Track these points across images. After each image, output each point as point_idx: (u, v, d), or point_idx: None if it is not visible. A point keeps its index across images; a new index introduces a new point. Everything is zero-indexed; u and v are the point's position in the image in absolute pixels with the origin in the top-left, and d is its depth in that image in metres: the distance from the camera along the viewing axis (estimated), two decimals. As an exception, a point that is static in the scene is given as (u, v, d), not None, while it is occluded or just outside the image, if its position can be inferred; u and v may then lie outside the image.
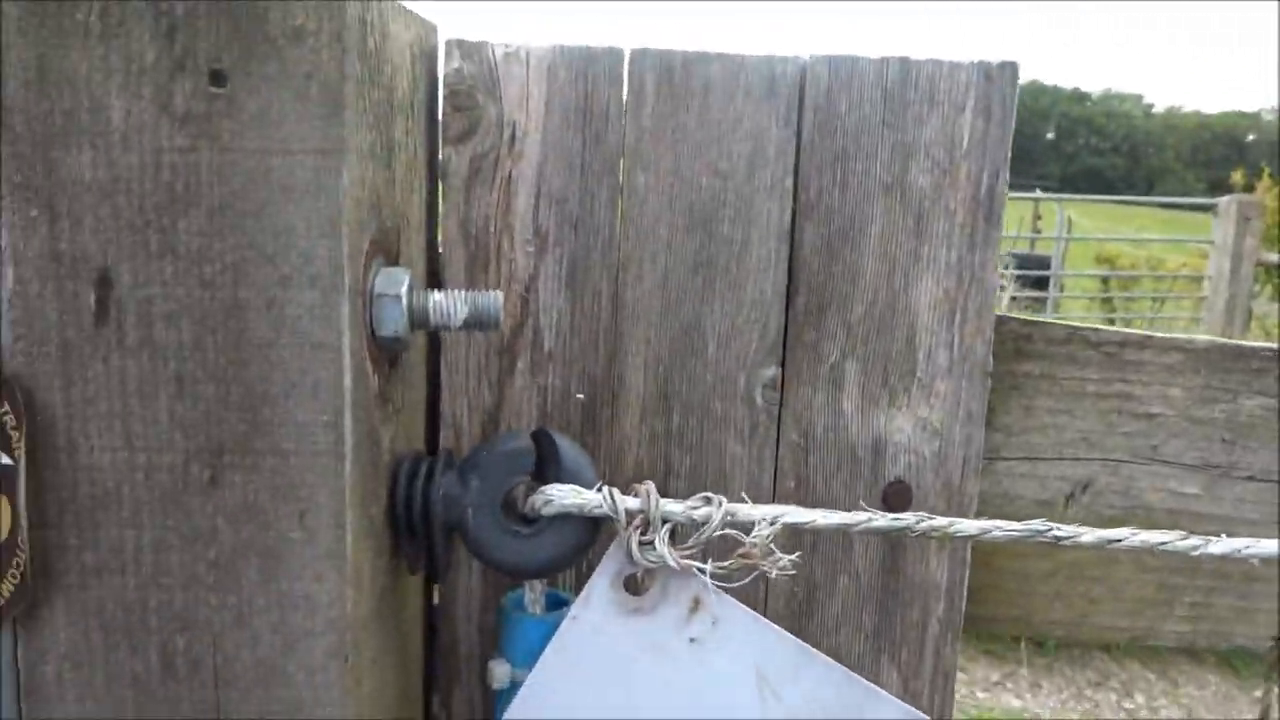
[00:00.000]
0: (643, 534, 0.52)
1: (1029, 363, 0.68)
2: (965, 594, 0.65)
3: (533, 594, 0.57)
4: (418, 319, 0.50)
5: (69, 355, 0.46)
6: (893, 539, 0.64)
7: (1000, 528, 0.54)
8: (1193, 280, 9.57)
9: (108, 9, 0.44)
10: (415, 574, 0.57)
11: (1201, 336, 0.69)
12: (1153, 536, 0.53)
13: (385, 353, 0.51)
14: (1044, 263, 11.03)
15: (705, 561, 0.52)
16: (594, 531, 0.54)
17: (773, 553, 0.51)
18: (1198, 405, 0.68)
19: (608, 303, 0.61)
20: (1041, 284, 10.86)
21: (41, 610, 0.48)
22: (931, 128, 0.59)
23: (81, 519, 0.47)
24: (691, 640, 0.55)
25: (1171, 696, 4.88)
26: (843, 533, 0.64)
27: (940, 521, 0.53)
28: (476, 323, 0.51)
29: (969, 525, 0.53)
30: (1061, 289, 11.84)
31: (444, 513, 0.53)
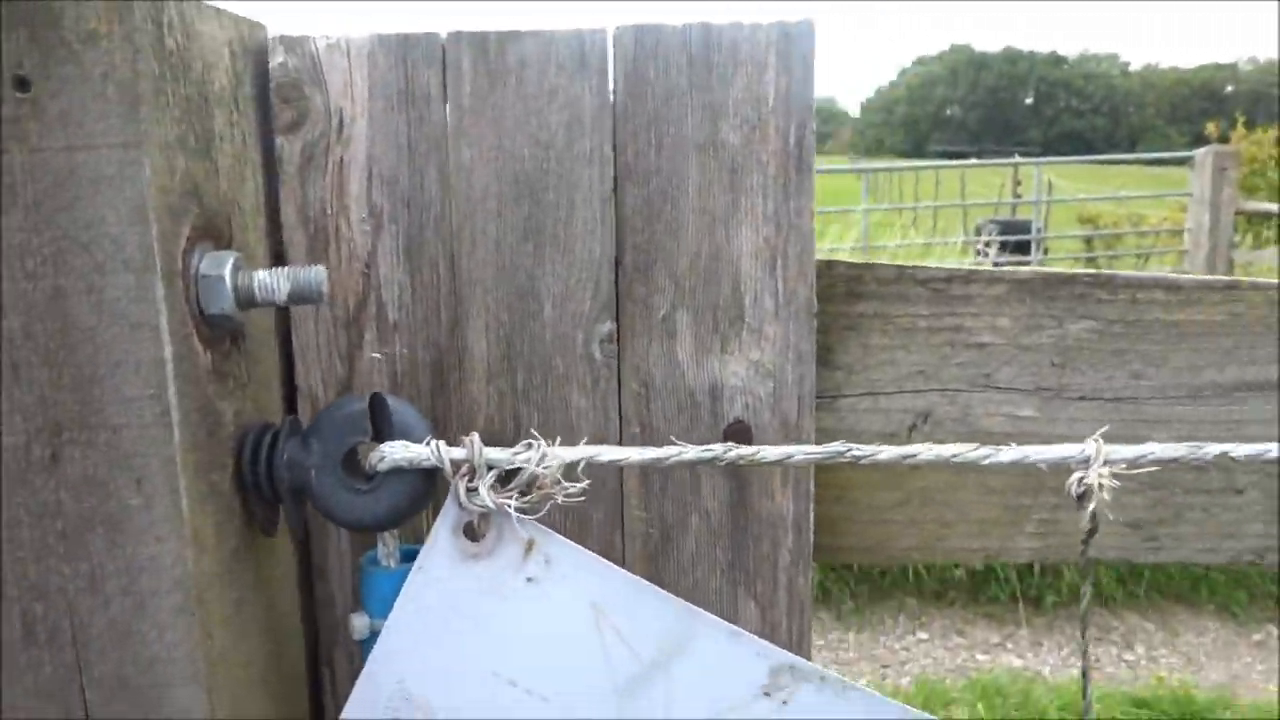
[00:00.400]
0: (470, 481, 0.57)
1: (862, 303, 0.72)
2: (813, 525, 0.69)
3: (385, 548, 0.61)
4: (244, 297, 0.55)
5: None
6: (740, 476, 0.68)
7: (802, 451, 0.58)
8: (1174, 234, 9.62)
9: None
10: (271, 536, 0.61)
11: (1025, 268, 0.73)
12: (945, 449, 0.58)
13: (218, 330, 0.55)
14: (1025, 227, 11.08)
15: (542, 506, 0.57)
16: (430, 484, 0.58)
17: (559, 482, 0.55)
18: (1026, 333, 0.72)
19: (445, 273, 0.65)
20: (1024, 248, 10.92)
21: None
22: (738, 87, 0.63)
23: None
24: (529, 580, 0.59)
25: (1172, 646, 4.93)
26: (691, 474, 0.68)
27: (746, 450, 0.58)
28: (301, 297, 0.55)
29: (772, 451, 0.58)
30: (1045, 252, 11.88)
31: (289, 476, 0.58)
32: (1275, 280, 0.72)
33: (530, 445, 0.57)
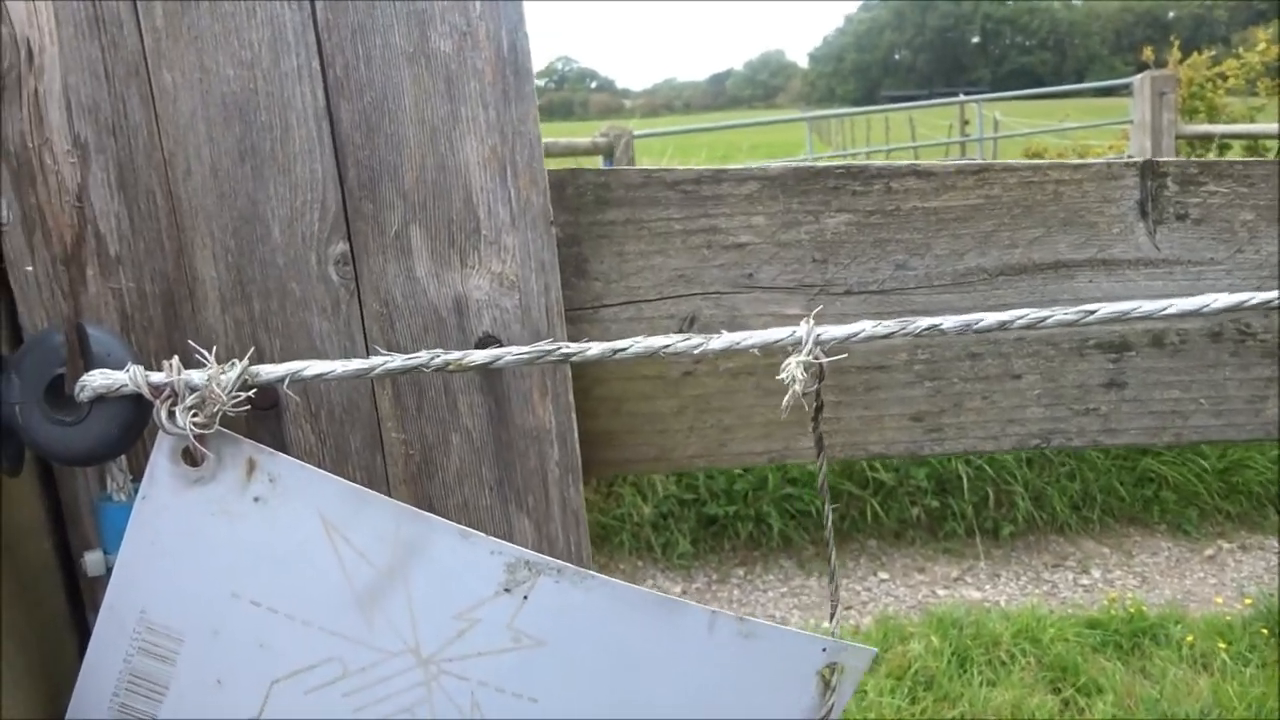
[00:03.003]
0: (171, 405, 0.56)
1: (613, 210, 0.71)
2: (577, 437, 0.69)
3: (115, 481, 0.60)
4: (-86, 231, 0.53)
5: None
6: (497, 393, 0.68)
7: (511, 353, 0.57)
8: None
9: None
10: (-9, 477, 0.60)
11: (776, 164, 0.72)
12: (655, 341, 0.57)
13: (-104, 268, 0.54)
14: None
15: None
16: (142, 412, 0.57)
17: (222, 395, 0.54)
18: (783, 229, 0.72)
19: (163, 201, 0.63)
20: (974, 187, 10.95)
21: None
22: (442, -7, 0.62)
23: None
24: (256, 499, 0.58)
25: (1126, 568, 5.01)
26: (445, 392, 0.68)
27: (453, 355, 0.57)
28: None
29: (479, 355, 0.57)
30: (997, 190, 11.89)
31: (-6, 413, 0.57)
32: (1027, 161, 0.72)
33: (233, 365, 0.56)
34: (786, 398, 0.55)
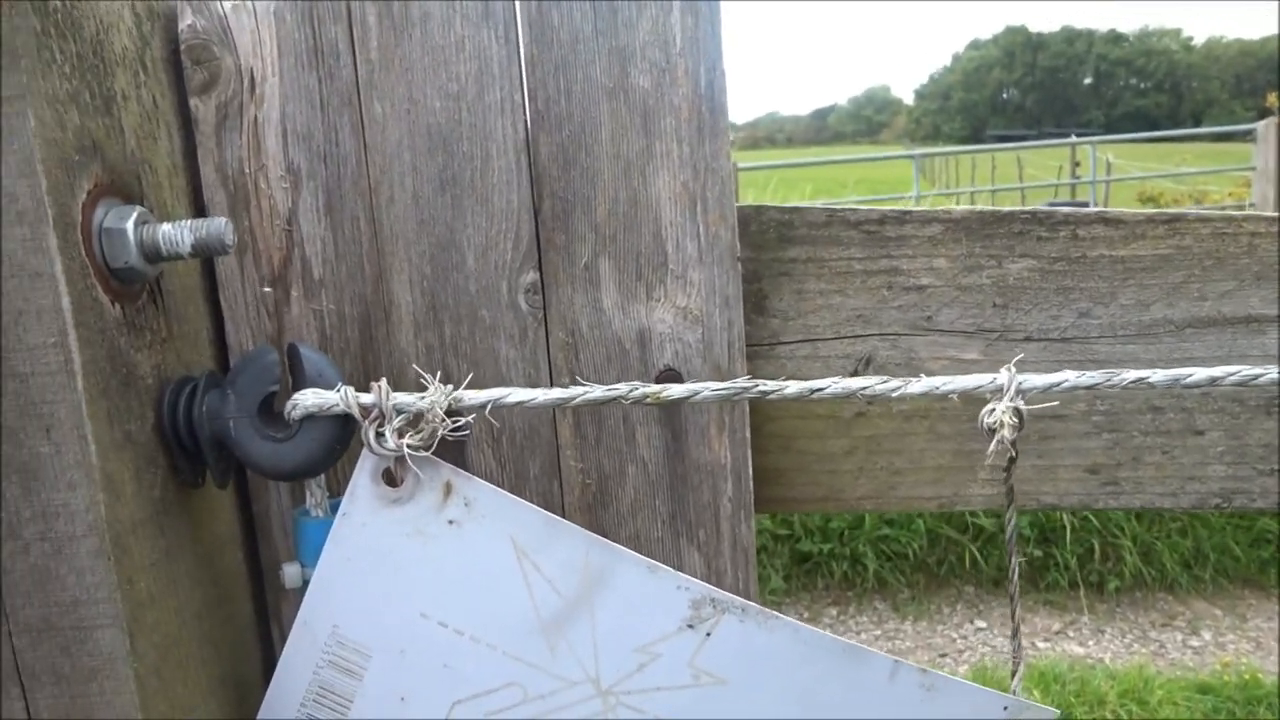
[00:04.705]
0: (379, 427, 0.57)
1: (794, 248, 0.71)
2: (750, 474, 0.69)
3: (314, 497, 0.62)
4: (149, 251, 0.56)
5: None
6: (674, 425, 0.68)
7: (709, 388, 0.57)
8: (1238, 211, 9.37)
9: None
10: (197, 487, 0.62)
11: (960, 207, 0.72)
12: (852, 382, 0.57)
13: (128, 284, 0.57)
14: (1083, 208, 10.86)
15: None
16: (347, 431, 0.59)
17: (444, 419, 0.55)
18: (965, 273, 0.71)
19: (366, 227, 0.65)
20: (1083, 230, 10.68)
21: None
22: (644, 30, 0.63)
23: None
24: (450, 522, 0.60)
25: (1240, 631, 4.79)
26: (624, 423, 0.68)
27: (651, 388, 0.57)
28: (205, 248, 0.57)
29: (677, 389, 0.57)
30: (1107, 233, 11.60)
31: (209, 426, 0.59)
32: (1220, 212, 0.70)
33: (438, 389, 0.57)
34: (992, 445, 0.54)
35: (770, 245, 0.71)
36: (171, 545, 0.60)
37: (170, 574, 0.60)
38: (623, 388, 0.57)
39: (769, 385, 0.57)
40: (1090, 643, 4.76)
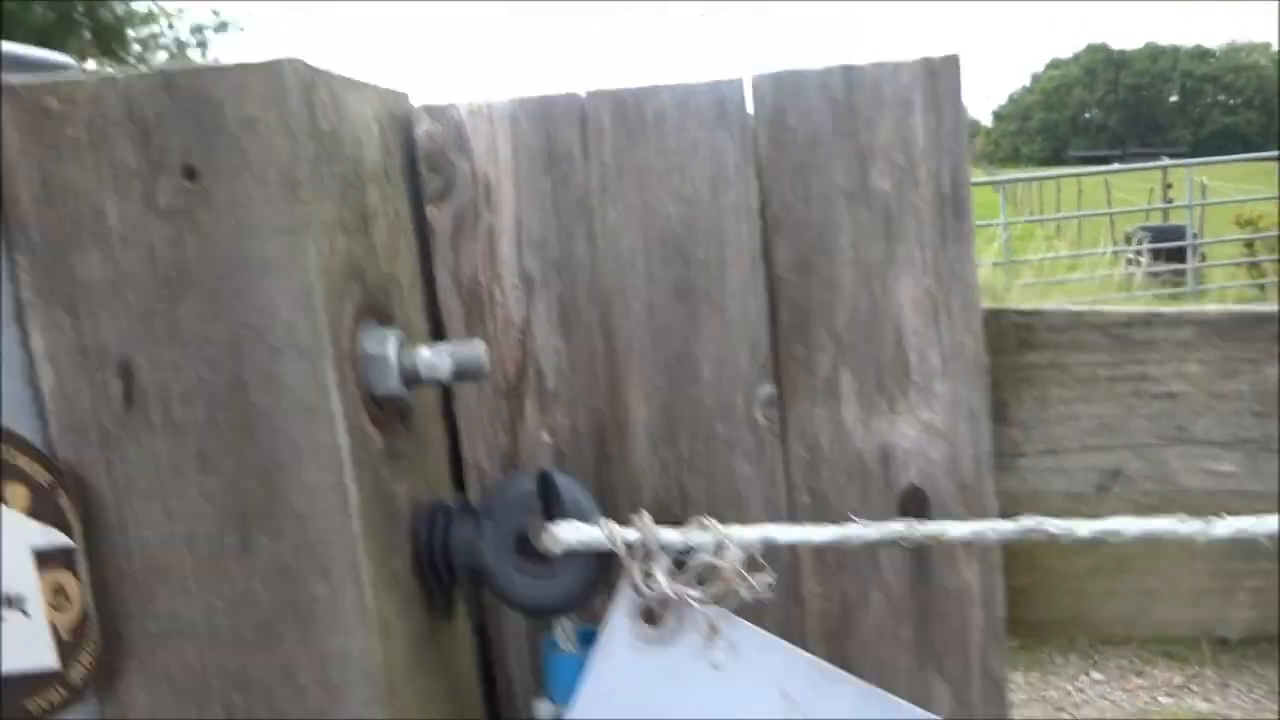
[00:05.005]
0: (648, 566, 0.54)
1: (1034, 353, 0.67)
2: (1003, 599, 0.64)
3: (563, 631, 0.59)
4: (408, 375, 0.53)
5: (108, 441, 0.50)
6: (920, 548, 0.64)
7: (993, 528, 0.53)
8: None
9: (93, 121, 0.49)
10: (449, 620, 0.59)
11: (1213, 306, 0.67)
12: (1153, 524, 0.52)
13: (388, 411, 0.54)
14: (1179, 233, 10.53)
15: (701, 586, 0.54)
16: (605, 565, 0.56)
17: (743, 575, 0.52)
18: (1219, 379, 0.66)
19: (600, 338, 0.63)
20: (1178, 255, 10.38)
21: (117, 678, 0.52)
22: (884, 130, 0.60)
23: (140, 590, 0.51)
24: (714, 666, 0.56)
25: (1371, 683, 4.53)
26: (868, 547, 0.64)
27: (932, 528, 0.54)
28: (464, 373, 0.54)
29: (958, 528, 0.53)
30: (1203, 258, 11.29)
31: (465, 558, 0.56)
32: None
33: (704, 526, 0.54)
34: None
35: (1009, 350, 0.67)
36: (429, 685, 0.57)
37: (427, 712, 0.57)
38: (900, 527, 0.53)
39: (1056, 527, 0.52)
40: (1216, 698, 4.47)
